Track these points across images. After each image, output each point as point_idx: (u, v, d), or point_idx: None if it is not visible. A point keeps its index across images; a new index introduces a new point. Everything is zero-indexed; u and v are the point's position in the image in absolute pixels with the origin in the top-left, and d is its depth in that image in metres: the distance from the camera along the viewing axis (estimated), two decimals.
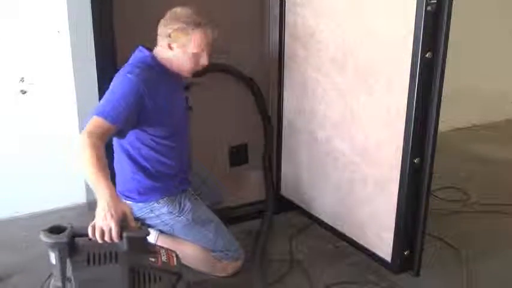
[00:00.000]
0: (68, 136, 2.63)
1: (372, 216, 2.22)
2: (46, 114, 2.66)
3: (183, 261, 1.77)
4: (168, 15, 2.01)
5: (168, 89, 2.04)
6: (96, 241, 1.55)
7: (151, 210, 2.11)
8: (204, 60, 2.04)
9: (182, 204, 2.12)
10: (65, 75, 2.61)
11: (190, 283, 2.00)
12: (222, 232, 2.19)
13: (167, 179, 2.12)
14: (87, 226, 1.56)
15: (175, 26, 1.97)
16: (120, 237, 1.55)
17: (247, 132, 2.84)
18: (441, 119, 1.97)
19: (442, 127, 2.02)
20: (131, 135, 1.98)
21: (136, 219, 1.65)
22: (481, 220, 2.78)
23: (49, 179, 2.72)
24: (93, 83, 2.23)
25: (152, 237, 2.11)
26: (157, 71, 2.02)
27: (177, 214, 2.11)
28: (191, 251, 2.13)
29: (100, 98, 2.11)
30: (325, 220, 2.53)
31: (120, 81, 1.92)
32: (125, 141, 2.02)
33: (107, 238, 1.54)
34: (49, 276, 1.95)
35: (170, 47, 2.00)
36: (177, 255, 1.69)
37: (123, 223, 1.56)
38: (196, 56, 2.02)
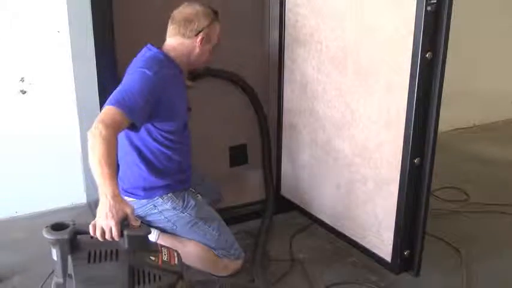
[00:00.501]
0: (67, 136, 2.64)
1: (372, 216, 2.22)
2: (46, 114, 2.66)
3: (184, 261, 1.77)
4: (189, 10, 2.04)
5: (178, 86, 2.08)
6: (98, 239, 1.56)
7: (155, 206, 2.11)
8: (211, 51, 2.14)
9: (186, 201, 2.13)
10: (65, 75, 2.62)
11: (192, 282, 2.00)
12: (224, 230, 2.19)
13: (173, 175, 2.13)
14: (90, 224, 1.57)
15: (206, 22, 2.04)
16: (121, 235, 1.55)
17: (247, 132, 2.83)
18: (441, 119, 1.97)
19: (442, 127, 2.01)
20: (142, 129, 1.98)
21: (138, 218, 1.65)
22: (481, 220, 2.78)
23: (49, 179, 2.73)
24: (93, 83, 2.22)
25: (153, 236, 2.11)
26: (170, 68, 2.04)
27: (180, 210, 2.11)
28: (192, 250, 2.13)
29: (100, 98, 2.12)
30: (325, 220, 2.53)
31: (139, 76, 1.92)
32: (134, 136, 2.03)
33: (107, 237, 1.55)
34: (49, 276, 1.96)
35: (201, 42, 2.05)
36: (178, 254, 1.68)
37: (124, 222, 1.57)
38: (214, 48, 2.12)
